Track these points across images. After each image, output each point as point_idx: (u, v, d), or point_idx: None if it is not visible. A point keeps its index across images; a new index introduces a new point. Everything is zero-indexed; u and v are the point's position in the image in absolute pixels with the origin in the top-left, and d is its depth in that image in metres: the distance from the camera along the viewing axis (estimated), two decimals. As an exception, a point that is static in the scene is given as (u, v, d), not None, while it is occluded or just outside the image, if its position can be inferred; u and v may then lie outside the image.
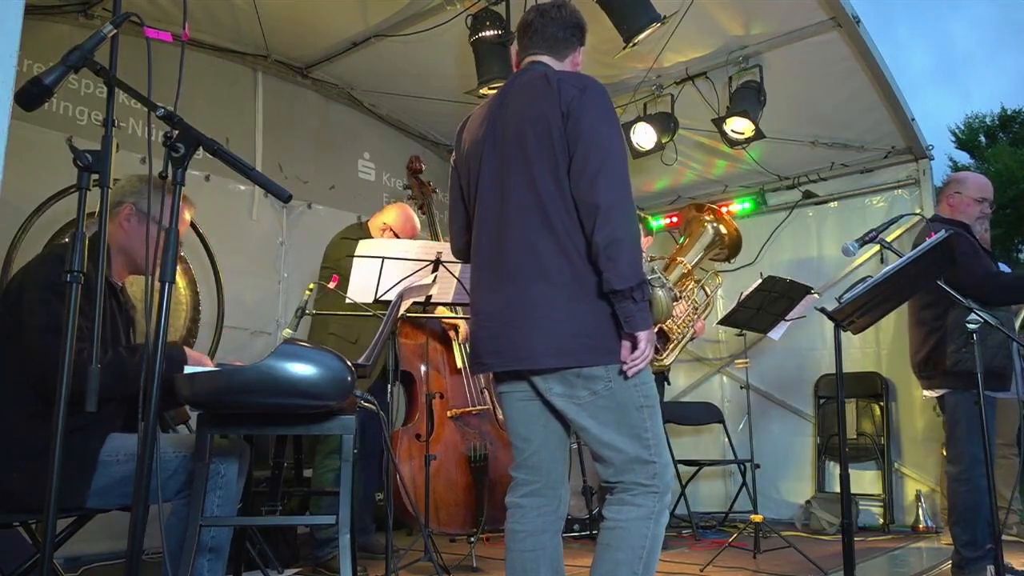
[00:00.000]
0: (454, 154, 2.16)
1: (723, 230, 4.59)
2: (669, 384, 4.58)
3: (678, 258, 4.50)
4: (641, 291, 1.76)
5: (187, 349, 2.16)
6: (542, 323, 1.81)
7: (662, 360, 4.25)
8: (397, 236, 3.65)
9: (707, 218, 4.60)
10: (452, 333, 3.82)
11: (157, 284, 1.50)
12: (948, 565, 3.37)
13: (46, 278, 1.97)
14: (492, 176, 1.95)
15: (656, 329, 4.19)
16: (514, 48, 2.14)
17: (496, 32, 3.81)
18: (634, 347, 1.80)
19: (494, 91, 3.96)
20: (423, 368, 3.72)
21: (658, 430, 1.86)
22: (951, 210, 3.39)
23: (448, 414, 3.64)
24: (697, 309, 4.44)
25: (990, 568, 3.07)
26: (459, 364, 3.78)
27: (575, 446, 3.82)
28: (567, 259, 1.81)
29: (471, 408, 3.69)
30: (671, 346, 4.27)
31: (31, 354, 1.92)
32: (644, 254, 4.02)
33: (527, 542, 1.93)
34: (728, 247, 4.63)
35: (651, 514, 1.81)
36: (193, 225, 3.44)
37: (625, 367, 1.81)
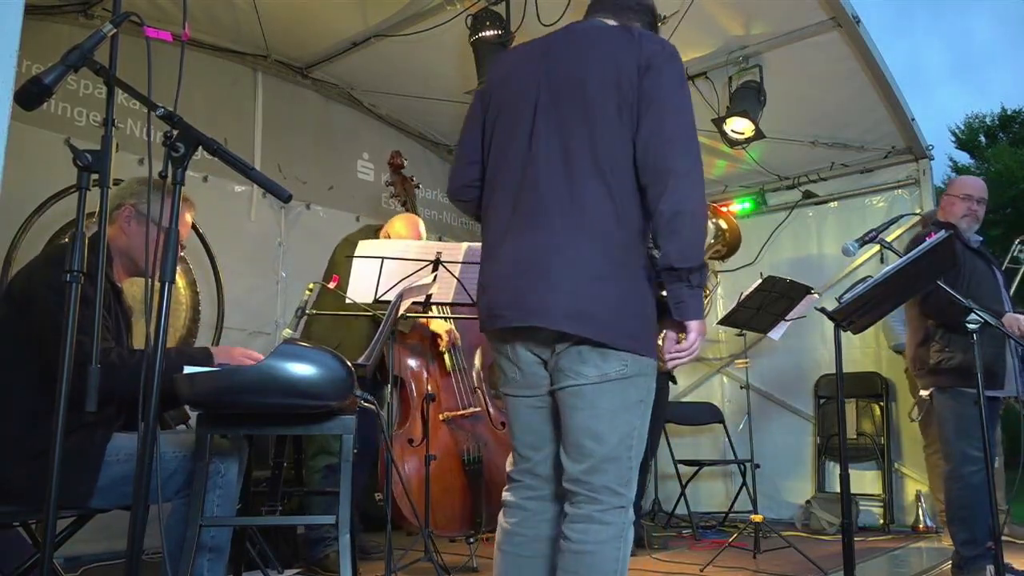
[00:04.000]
0: (488, 80, 1.95)
1: (723, 225, 4.59)
2: (675, 383, 4.58)
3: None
4: (700, 275, 1.60)
5: (213, 348, 2.12)
6: (570, 277, 1.62)
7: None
8: None
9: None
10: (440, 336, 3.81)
11: (157, 284, 1.50)
12: (948, 565, 3.37)
13: (57, 279, 1.97)
14: (529, 109, 1.75)
15: None
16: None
17: (496, 32, 3.81)
18: (684, 338, 1.65)
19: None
20: (413, 372, 3.71)
21: (644, 433, 1.72)
22: (943, 212, 3.48)
23: (440, 417, 3.63)
24: (705, 308, 4.43)
25: (990, 568, 3.08)
26: (449, 367, 3.78)
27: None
28: (616, 219, 1.64)
29: (463, 410, 3.68)
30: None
31: (47, 354, 1.92)
32: None
33: (525, 548, 1.79)
34: (728, 244, 4.63)
35: (621, 532, 1.65)
36: (194, 225, 3.45)
37: (668, 358, 1.67)
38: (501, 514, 1.86)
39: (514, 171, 1.75)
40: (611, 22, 1.85)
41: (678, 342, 1.69)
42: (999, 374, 3.23)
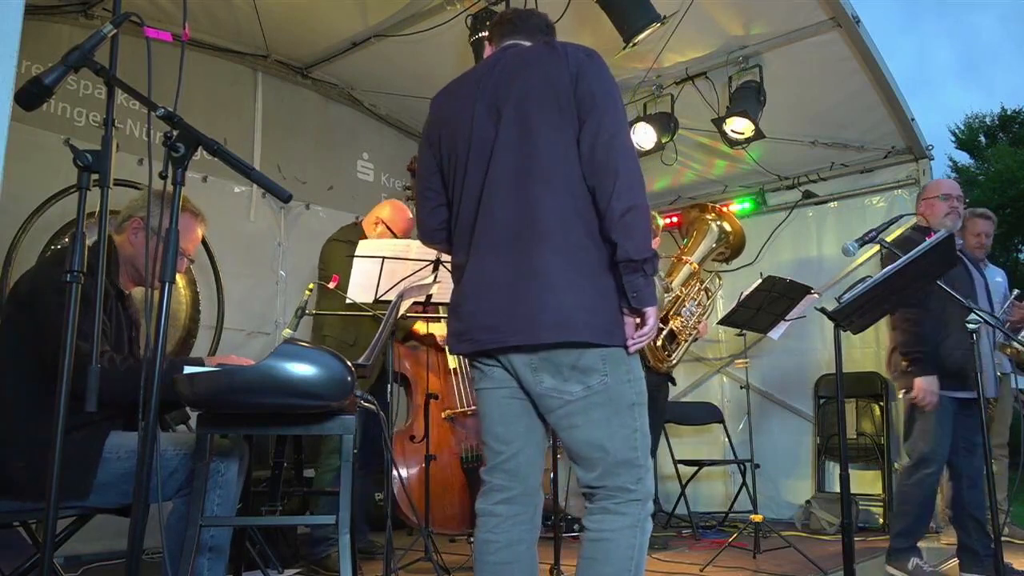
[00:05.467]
0: (427, 128, 2.01)
1: (727, 227, 4.61)
2: (675, 384, 4.58)
3: (684, 257, 4.51)
4: (652, 265, 1.69)
5: (207, 358, 2.18)
6: (545, 294, 1.68)
7: (671, 362, 4.25)
8: (390, 230, 3.65)
9: (710, 217, 4.61)
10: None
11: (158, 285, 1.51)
12: (947, 565, 3.38)
13: (61, 280, 1.99)
14: (483, 141, 1.81)
15: (667, 331, 4.21)
16: (488, 44, 2.07)
17: (496, 32, 3.80)
18: (642, 324, 1.72)
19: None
20: (417, 370, 3.72)
21: (646, 430, 1.76)
22: (926, 217, 3.51)
23: (442, 415, 3.64)
24: (704, 310, 4.44)
25: (914, 559, 3.21)
26: (452, 365, 3.78)
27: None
28: (571, 228, 1.71)
29: (465, 409, 3.68)
30: (680, 348, 4.28)
31: (49, 354, 1.92)
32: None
33: (501, 554, 1.79)
34: (732, 246, 4.64)
35: (636, 523, 1.71)
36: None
37: (629, 343, 1.72)
38: (476, 527, 1.86)
39: (473, 201, 1.82)
40: (528, 44, 1.94)
41: (637, 328, 1.74)
42: (970, 376, 3.27)
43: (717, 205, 4.77)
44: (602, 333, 1.70)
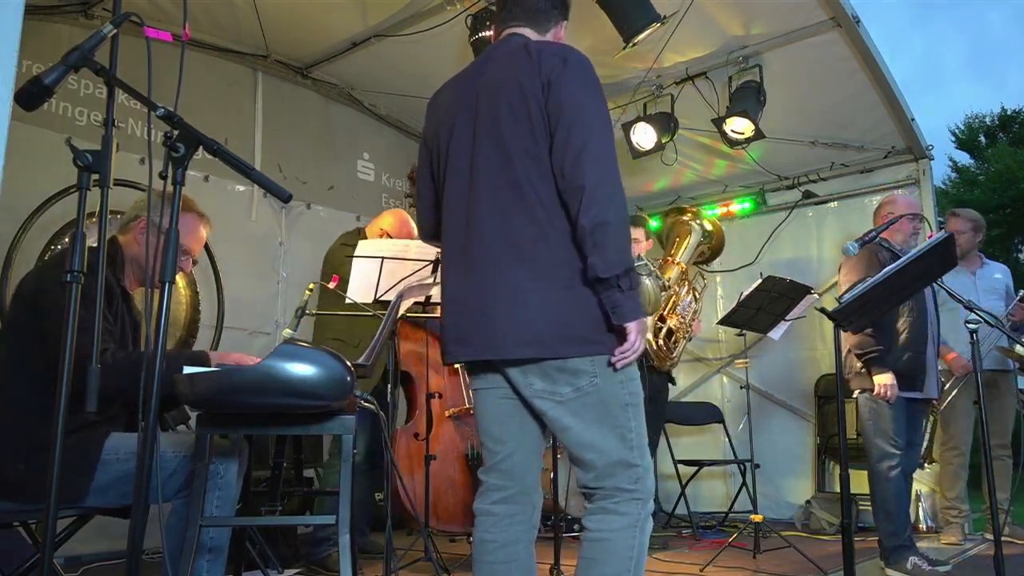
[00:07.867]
0: (425, 127, 2.01)
1: (708, 227, 4.65)
2: (674, 384, 4.59)
3: (668, 259, 4.53)
4: (628, 279, 1.64)
5: (211, 352, 2.17)
6: (516, 311, 1.68)
7: (673, 359, 4.26)
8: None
9: (687, 217, 4.66)
10: None
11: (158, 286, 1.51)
12: (947, 565, 3.39)
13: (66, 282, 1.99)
14: (463, 151, 1.81)
15: (666, 329, 4.22)
16: (493, 25, 2.01)
17: (496, 32, 3.80)
18: (623, 339, 1.68)
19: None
20: (420, 368, 3.72)
21: (642, 431, 1.74)
22: (891, 229, 3.35)
23: (446, 413, 3.64)
24: (697, 308, 4.46)
25: (912, 559, 3.20)
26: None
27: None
28: (545, 242, 1.69)
29: (469, 407, 3.68)
30: (678, 346, 4.29)
31: (54, 353, 1.92)
32: (643, 254, 4.04)
33: (499, 554, 1.79)
34: (713, 247, 4.69)
35: (636, 522, 1.69)
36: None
37: (614, 360, 1.69)
38: (474, 527, 1.86)
39: (459, 212, 1.81)
40: (524, 31, 1.90)
41: (622, 343, 1.70)
42: (918, 377, 3.34)
43: (694, 207, 4.82)
44: (581, 345, 1.69)
